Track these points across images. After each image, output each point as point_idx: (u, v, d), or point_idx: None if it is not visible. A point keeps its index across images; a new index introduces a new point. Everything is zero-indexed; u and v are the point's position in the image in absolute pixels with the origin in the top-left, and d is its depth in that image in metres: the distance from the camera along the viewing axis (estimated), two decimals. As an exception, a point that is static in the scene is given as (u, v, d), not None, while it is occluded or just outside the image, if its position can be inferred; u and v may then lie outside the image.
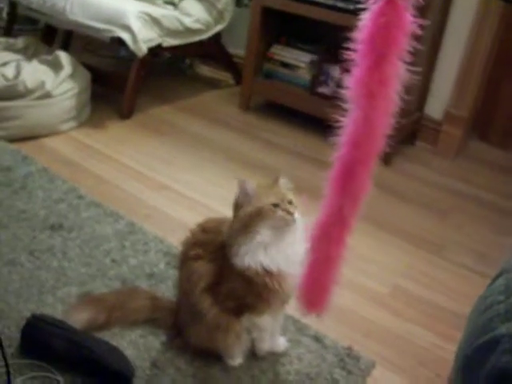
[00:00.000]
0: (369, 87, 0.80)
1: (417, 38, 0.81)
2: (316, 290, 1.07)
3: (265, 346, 1.53)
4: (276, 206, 1.31)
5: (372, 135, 0.84)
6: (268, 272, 1.32)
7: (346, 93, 0.82)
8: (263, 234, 1.32)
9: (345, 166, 0.89)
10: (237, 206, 1.36)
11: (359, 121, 0.82)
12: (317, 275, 1.06)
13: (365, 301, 1.87)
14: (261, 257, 1.32)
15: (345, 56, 0.80)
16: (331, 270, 1.05)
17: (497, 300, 0.53)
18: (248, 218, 1.32)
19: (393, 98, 0.82)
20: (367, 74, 0.80)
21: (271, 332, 1.52)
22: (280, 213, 1.31)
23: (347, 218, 0.97)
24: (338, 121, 0.86)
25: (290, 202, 1.33)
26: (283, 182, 1.39)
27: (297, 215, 1.33)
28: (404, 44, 0.79)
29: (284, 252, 1.34)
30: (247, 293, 1.37)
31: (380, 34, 0.77)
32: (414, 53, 0.82)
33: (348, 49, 0.80)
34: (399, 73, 0.81)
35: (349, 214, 0.96)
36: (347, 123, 0.85)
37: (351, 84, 0.82)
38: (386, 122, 0.84)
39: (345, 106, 0.84)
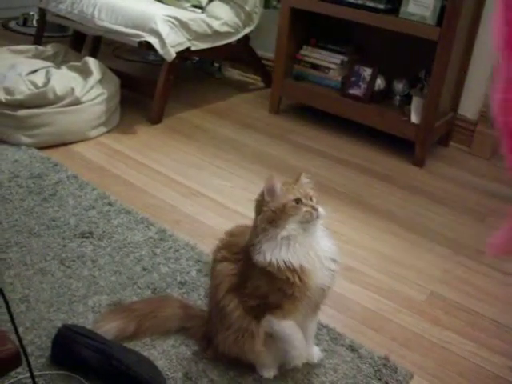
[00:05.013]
0: None
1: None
2: None
3: (292, 359, 1.46)
4: (299, 201, 1.33)
5: None
6: (290, 267, 1.31)
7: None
8: (288, 228, 1.32)
9: None
10: (260, 204, 1.36)
11: None
12: None
13: (401, 308, 1.82)
14: (282, 252, 1.32)
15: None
16: None
17: None
18: (273, 213, 1.32)
19: None
20: None
21: (300, 346, 1.44)
22: (304, 208, 1.32)
23: None
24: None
25: (311, 199, 1.35)
26: (305, 181, 1.40)
27: (321, 210, 1.34)
28: None
29: (307, 248, 1.34)
30: (270, 290, 1.34)
31: None
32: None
33: None
34: None
35: None
36: None
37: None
38: None
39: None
